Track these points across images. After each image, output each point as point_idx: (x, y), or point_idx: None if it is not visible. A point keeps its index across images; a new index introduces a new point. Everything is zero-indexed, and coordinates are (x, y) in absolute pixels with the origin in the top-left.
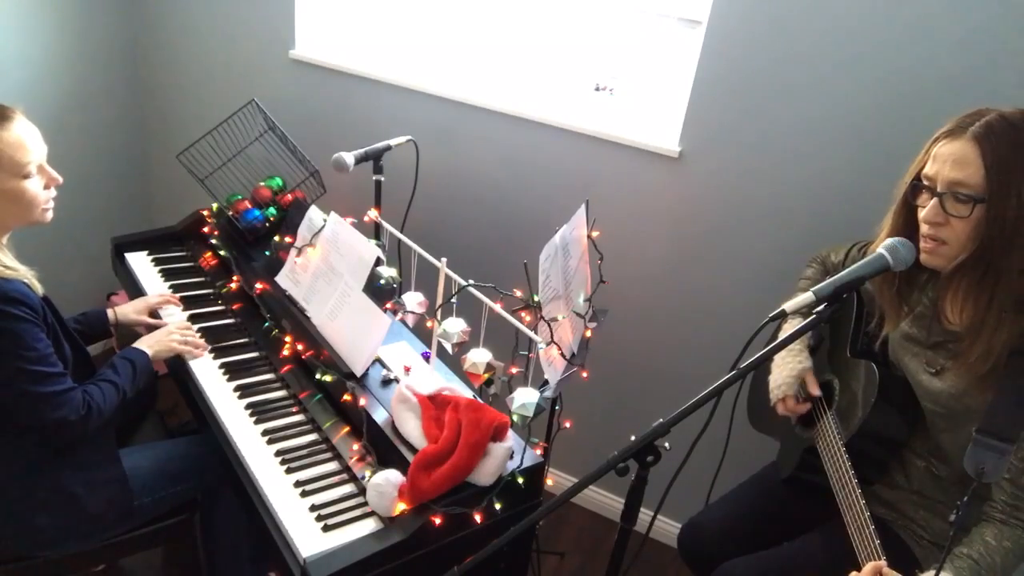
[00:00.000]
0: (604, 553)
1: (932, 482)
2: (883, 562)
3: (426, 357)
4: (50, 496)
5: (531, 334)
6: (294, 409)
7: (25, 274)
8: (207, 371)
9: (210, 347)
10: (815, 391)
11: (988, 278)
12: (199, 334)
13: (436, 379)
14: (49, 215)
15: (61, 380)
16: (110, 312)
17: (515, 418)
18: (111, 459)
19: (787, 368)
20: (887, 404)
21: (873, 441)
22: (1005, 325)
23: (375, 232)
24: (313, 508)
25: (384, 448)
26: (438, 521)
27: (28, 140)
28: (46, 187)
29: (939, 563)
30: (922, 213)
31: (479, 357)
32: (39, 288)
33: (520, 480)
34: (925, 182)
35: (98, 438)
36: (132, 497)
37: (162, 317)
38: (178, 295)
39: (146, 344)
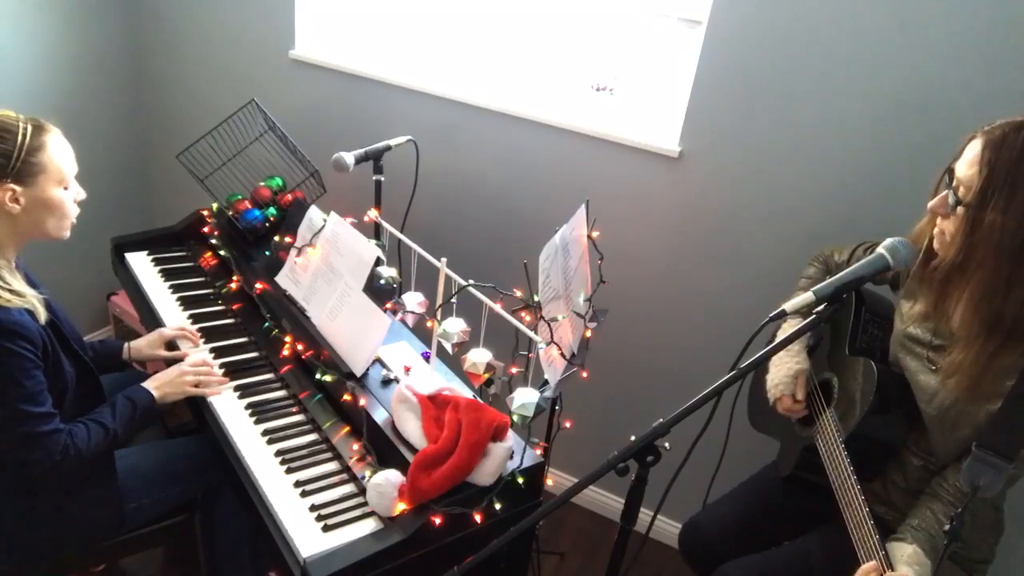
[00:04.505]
0: (604, 553)
1: (929, 480)
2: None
3: (426, 357)
4: (44, 514)
5: (531, 334)
6: (294, 409)
7: (31, 299)
8: None
9: (219, 359)
10: (800, 395)
11: (953, 284)
12: (220, 369)
13: (436, 379)
14: (69, 232)
15: (46, 421)
16: (125, 348)
17: (515, 418)
18: (108, 478)
19: (784, 367)
20: (885, 402)
21: (871, 439)
22: (978, 342)
23: (375, 232)
24: (313, 508)
25: (384, 448)
26: (438, 521)
27: (70, 151)
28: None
29: (937, 563)
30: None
31: (479, 357)
32: (43, 315)
33: (520, 480)
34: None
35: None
36: (124, 518)
37: (180, 347)
38: (178, 295)
39: (154, 384)
